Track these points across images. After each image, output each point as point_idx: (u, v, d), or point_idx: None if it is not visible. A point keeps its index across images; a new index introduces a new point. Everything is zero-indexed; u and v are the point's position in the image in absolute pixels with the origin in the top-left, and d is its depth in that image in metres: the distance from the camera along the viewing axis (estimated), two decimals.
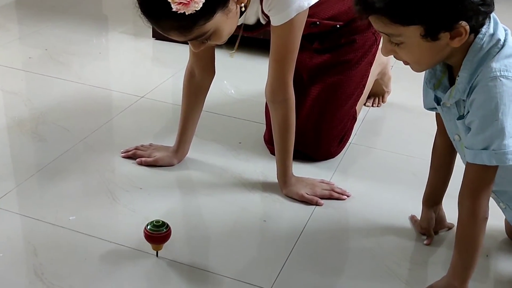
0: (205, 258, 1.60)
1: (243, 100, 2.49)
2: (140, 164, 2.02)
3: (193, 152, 2.08)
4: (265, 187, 1.93)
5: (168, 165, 2.02)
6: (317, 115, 2.01)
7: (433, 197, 1.67)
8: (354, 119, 2.15)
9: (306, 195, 1.86)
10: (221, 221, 1.77)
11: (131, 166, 2.02)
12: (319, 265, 1.60)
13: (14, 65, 2.72)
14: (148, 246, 1.58)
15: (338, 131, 2.06)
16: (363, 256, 1.64)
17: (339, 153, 2.10)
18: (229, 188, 1.93)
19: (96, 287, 1.49)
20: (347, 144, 2.13)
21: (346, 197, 1.88)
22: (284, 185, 1.88)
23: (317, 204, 1.85)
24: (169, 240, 1.57)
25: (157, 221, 1.56)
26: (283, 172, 1.87)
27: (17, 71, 2.68)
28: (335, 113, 2.04)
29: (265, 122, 2.13)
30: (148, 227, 1.55)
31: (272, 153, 2.08)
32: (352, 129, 2.15)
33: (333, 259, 1.63)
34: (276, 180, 1.92)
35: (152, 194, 1.89)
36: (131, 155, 2.06)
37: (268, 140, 2.11)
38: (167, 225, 1.57)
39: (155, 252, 1.60)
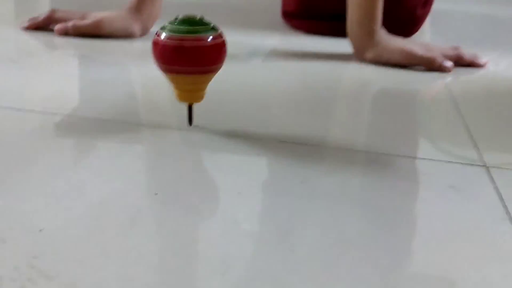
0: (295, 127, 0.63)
1: None
2: (64, 32, 1.00)
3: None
4: (323, 57, 1.00)
5: (124, 34, 1.02)
6: None
7: None
8: None
9: (421, 53, 0.95)
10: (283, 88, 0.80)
11: (42, 38, 0.99)
12: None
13: None
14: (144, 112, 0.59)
15: None
16: None
17: (425, 17, 1.22)
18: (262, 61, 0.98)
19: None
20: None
21: (482, 63, 1.00)
22: (368, 40, 0.97)
23: (441, 68, 0.95)
24: (219, 68, 0.58)
25: (189, 17, 0.57)
26: (368, 15, 0.96)
27: None
28: None
29: None
30: (167, 30, 0.56)
31: (305, 29, 1.19)
32: None
33: None
34: (337, 48, 1.00)
35: (100, 61, 0.88)
36: (42, 24, 1.03)
37: (294, 11, 1.21)
38: (214, 26, 0.58)
39: (187, 108, 0.61)
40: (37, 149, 0.54)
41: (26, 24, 1.02)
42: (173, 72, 0.57)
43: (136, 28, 1.03)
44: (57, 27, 1.00)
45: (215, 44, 0.57)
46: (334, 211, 0.46)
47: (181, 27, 0.56)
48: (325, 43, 1.11)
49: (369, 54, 0.97)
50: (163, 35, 0.56)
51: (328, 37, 1.15)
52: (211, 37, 0.57)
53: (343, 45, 1.05)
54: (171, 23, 0.57)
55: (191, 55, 0.56)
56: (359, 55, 0.99)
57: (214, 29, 0.58)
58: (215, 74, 0.58)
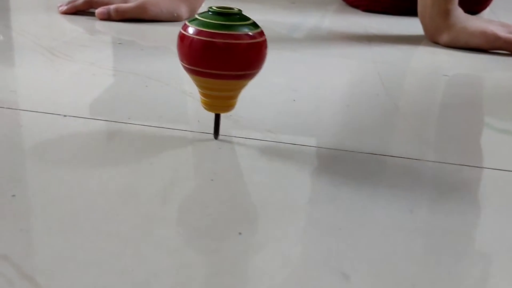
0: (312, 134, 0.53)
1: None
2: (106, 16, 0.93)
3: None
4: (387, 39, 0.89)
5: (170, 17, 0.94)
6: None
7: None
8: None
9: (504, 35, 0.83)
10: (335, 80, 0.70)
11: (83, 22, 0.92)
12: None
13: None
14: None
15: None
16: None
17: None
18: (319, 43, 0.87)
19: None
20: None
21: None
22: (443, 21, 0.85)
23: None
24: (255, 71, 0.48)
25: (225, 8, 0.48)
26: None
27: None
28: None
29: None
30: (196, 22, 0.47)
31: (365, 7, 1.08)
32: None
33: None
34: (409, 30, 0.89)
35: (149, 50, 0.80)
36: (81, 7, 0.96)
37: None
38: (254, 22, 0.49)
39: (214, 119, 0.51)
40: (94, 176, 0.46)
41: (64, 7, 0.96)
42: (199, 73, 0.47)
43: (182, 10, 0.94)
44: (99, 10, 0.92)
45: (253, 44, 0.47)
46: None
47: (214, 20, 0.47)
48: (388, 23, 1.00)
49: (444, 37, 0.85)
50: (190, 29, 0.47)
51: (392, 16, 1.04)
52: (248, 34, 0.47)
53: (410, 25, 0.94)
54: (202, 15, 0.48)
55: (222, 55, 0.46)
56: (432, 38, 0.87)
57: (253, 25, 0.48)
58: (250, 80, 0.49)
